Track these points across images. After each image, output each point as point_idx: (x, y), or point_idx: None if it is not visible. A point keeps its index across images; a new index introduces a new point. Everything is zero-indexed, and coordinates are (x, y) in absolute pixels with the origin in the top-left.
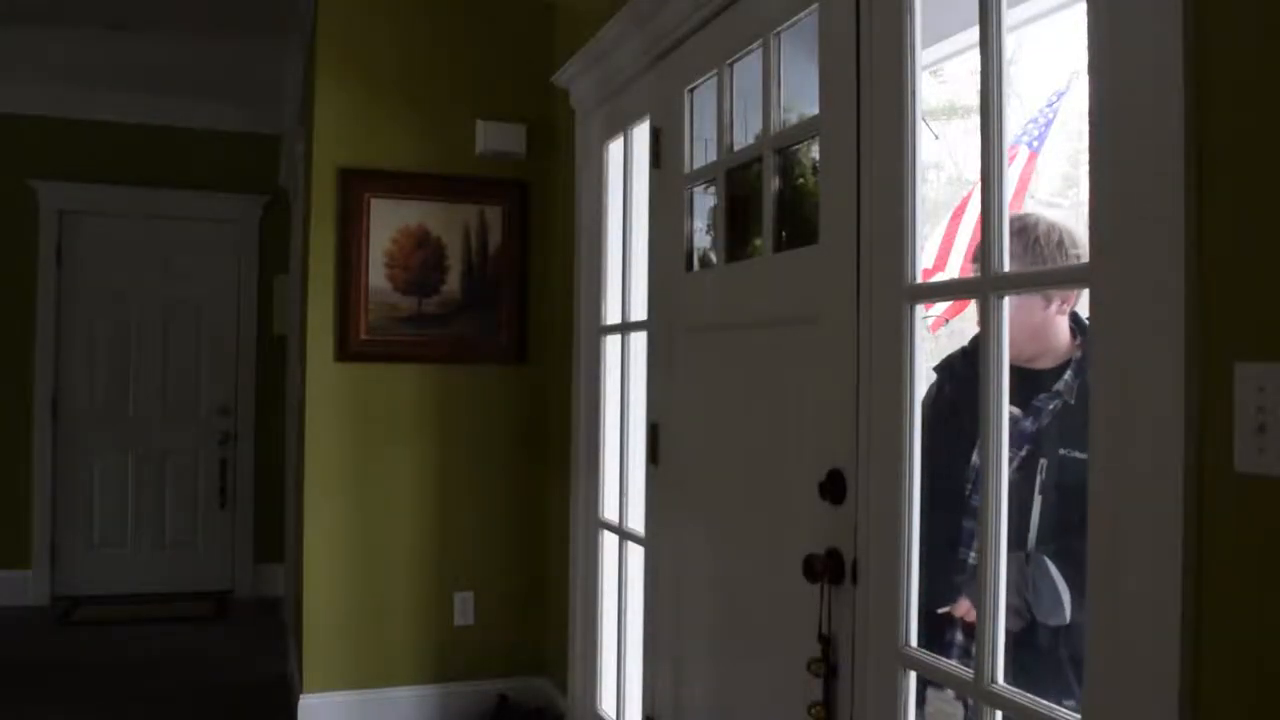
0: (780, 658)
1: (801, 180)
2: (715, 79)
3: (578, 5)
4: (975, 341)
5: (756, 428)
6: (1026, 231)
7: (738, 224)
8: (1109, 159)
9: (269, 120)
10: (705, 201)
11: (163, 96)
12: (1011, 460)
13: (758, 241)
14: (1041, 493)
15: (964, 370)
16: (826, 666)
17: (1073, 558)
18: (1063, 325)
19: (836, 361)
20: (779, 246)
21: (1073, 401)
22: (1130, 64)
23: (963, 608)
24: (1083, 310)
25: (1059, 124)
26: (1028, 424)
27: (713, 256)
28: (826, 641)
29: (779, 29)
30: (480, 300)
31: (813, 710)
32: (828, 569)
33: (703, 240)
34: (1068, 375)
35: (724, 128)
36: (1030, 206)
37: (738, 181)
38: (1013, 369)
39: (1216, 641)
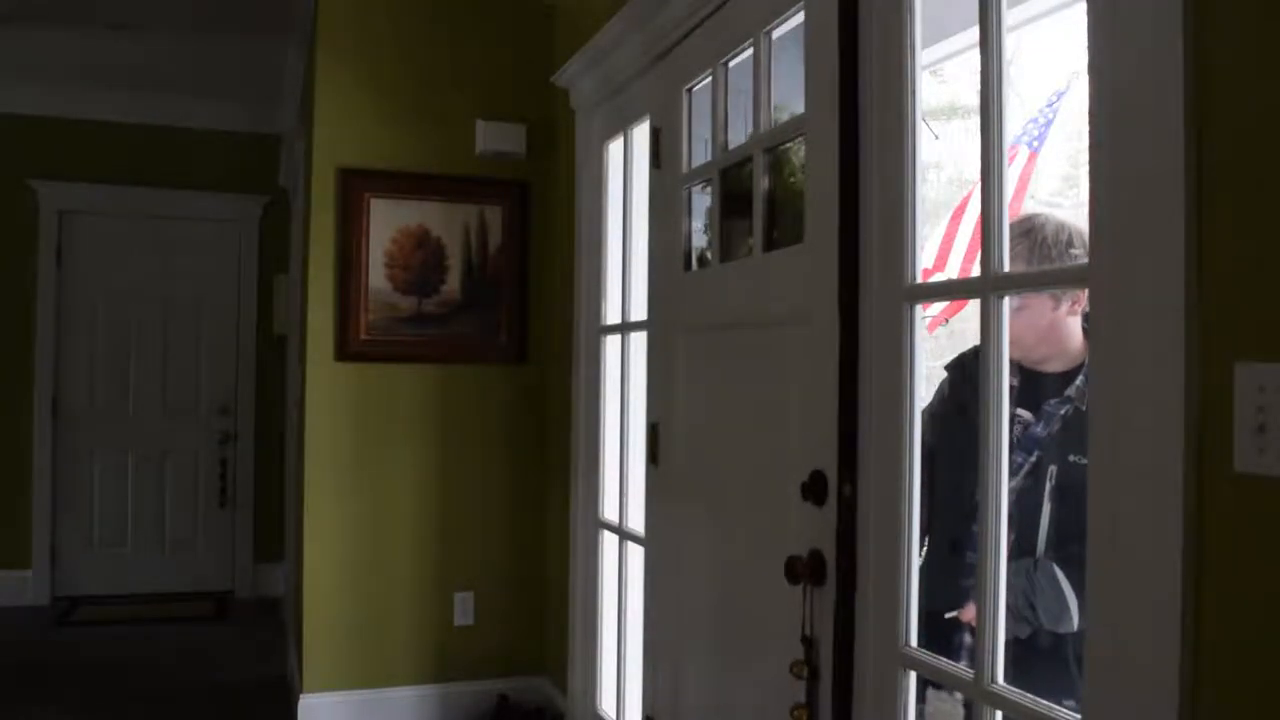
0: (769, 659)
1: (793, 179)
2: (711, 78)
3: (578, 5)
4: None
5: (747, 428)
6: (1034, 232)
7: (732, 224)
8: (1109, 159)
9: (269, 120)
10: (703, 201)
11: (163, 96)
12: (1022, 466)
13: (750, 241)
14: (1051, 499)
15: (975, 369)
16: (809, 669)
17: (1082, 565)
18: (1075, 327)
19: (818, 361)
20: (769, 246)
21: (1084, 407)
22: (1130, 64)
23: (969, 612)
24: None
25: (1059, 124)
26: (1039, 429)
27: (709, 256)
28: (809, 644)
29: (769, 28)
30: (480, 300)
31: (795, 712)
32: (809, 570)
33: (700, 240)
34: (1079, 380)
35: (719, 127)
36: (1030, 206)
37: (732, 181)
38: (1024, 372)
39: (1216, 641)
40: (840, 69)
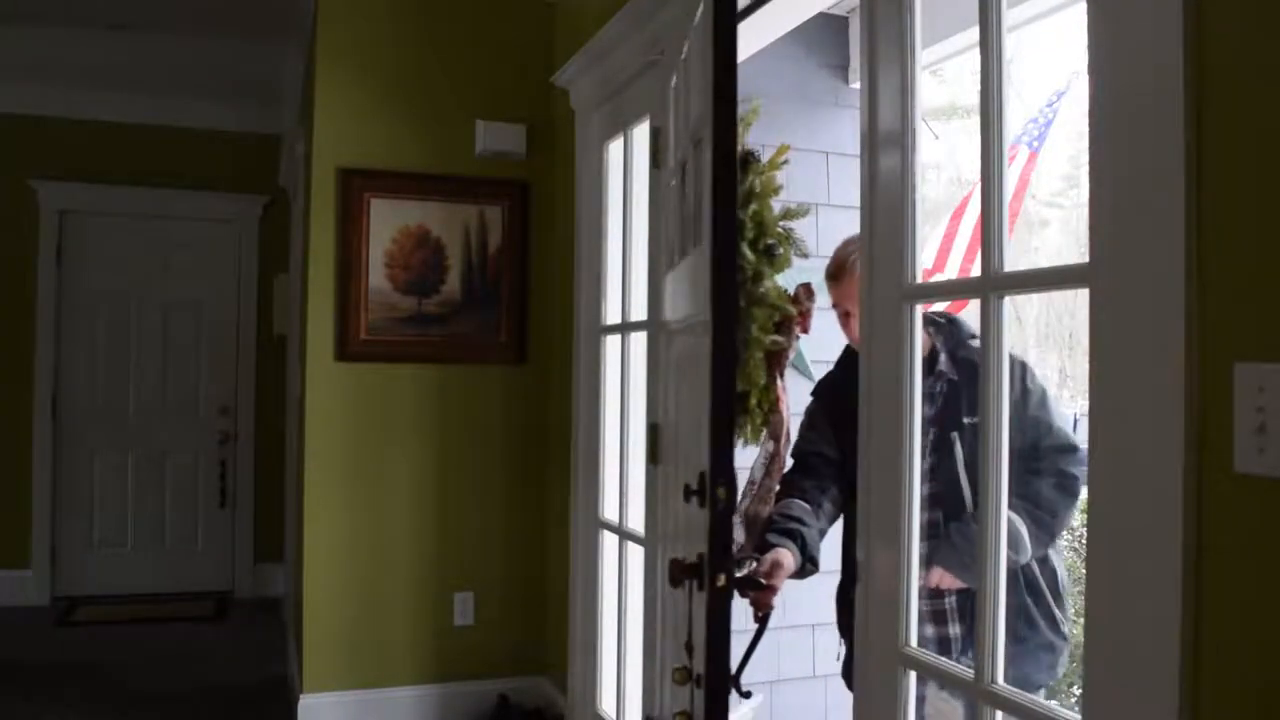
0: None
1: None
2: (676, 75)
3: (578, 5)
4: (847, 351)
5: (689, 429)
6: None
7: (685, 220)
8: (1109, 159)
9: (269, 120)
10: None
11: (163, 96)
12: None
13: (688, 240)
14: (964, 461)
15: (844, 382)
16: (689, 675)
17: (1019, 500)
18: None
19: (699, 361)
20: (698, 242)
21: (956, 378)
22: (1130, 64)
23: (934, 577)
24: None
25: (1059, 124)
26: (926, 409)
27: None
28: (690, 650)
29: (696, 21)
30: (480, 300)
31: (677, 718)
32: (688, 573)
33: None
34: (942, 358)
35: (679, 124)
36: (1030, 206)
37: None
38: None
39: (1216, 641)
40: (715, 58)
